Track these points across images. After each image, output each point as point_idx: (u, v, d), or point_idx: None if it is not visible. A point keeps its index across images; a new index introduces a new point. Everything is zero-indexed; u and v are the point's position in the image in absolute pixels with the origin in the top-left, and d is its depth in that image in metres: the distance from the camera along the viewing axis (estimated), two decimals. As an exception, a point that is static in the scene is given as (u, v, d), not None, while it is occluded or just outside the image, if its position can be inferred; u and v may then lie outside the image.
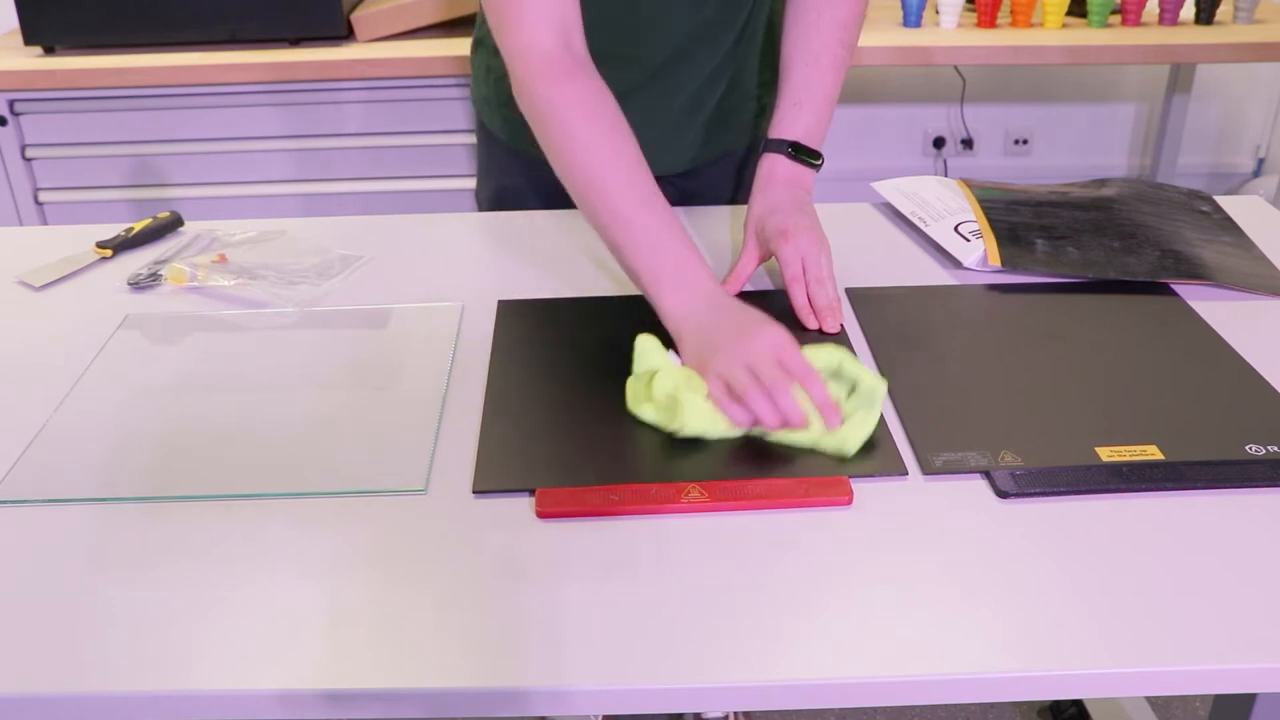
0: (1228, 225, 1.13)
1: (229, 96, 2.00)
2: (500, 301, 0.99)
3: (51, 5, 1.95)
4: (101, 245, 1.11)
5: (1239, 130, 2.94)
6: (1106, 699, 1.43)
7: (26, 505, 0.74)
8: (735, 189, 1.28)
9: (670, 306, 0.86)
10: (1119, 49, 2.02)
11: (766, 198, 1.02)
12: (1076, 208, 1.12)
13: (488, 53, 1.19)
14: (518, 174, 1.23)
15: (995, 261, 1.02)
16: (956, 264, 1.06)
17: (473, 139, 2.02)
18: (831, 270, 0.96)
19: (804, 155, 1.03)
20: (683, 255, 0.88)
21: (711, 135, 1.20)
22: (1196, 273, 1.00)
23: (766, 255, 1.01)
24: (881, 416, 0.80)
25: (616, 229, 0.89)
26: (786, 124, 1.05)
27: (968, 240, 1.06)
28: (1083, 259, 1.02)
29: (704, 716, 1.46)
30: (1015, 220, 1.09)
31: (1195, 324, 0.93)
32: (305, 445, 0.79)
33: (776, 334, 0.80)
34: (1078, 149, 2.94)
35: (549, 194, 1.16)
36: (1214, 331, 0.92)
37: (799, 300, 0.95)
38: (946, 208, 1.13)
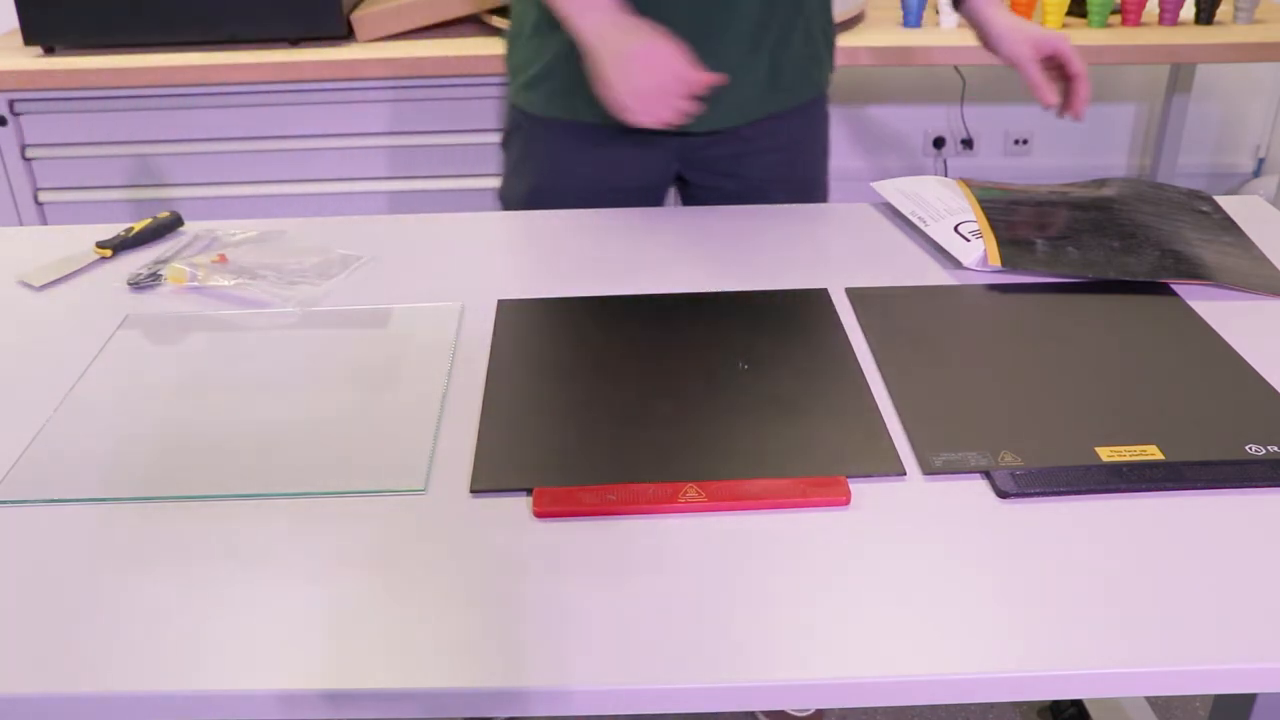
0: (1228, 225, 1.13)
1: (229, 96, 2.00)
2: (500, 301, 0.99)
3: (51, 5, 1.95)
4: (101, 245, 1.11)
5: (1239, 130, 2.93)
6: (1106, 699, 1.43)
7: (26, 505, 0.74)
8: (799, 150, 1.30)
9: (586, 26, 1.04)
10: (1119, 49, 2.02)
11: (995, 17, 1.18)
12: (1076, 208, 1.12)
13: (512, 34, 1.24)
14: (556, 152, 1.25)
15: (995, 261, 1.02)
16: (956, 264, 1.06)
17: (472, 139, 2.03)
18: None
19: None
20: None
21: (779, 79, 1.21)
22: (1196, 273, 1.00)
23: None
24: (881, 416, 0.80)
25: None
26: None
27: (968, 240, 1.06)
28: (1083, 259, 1.02)
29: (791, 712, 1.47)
30: (1015, 220, 1.09)
31: (1195, 324, 0.93)
32: (305, 445, 0.79)
33: (672, 51, 1.01)
34: (1078, 149, 2.94)
35: (588, 176, 1.24)
36: (1214, 331, 0.92)
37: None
38: (946, 208, 1.13)
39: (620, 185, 1.25)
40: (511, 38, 1.25)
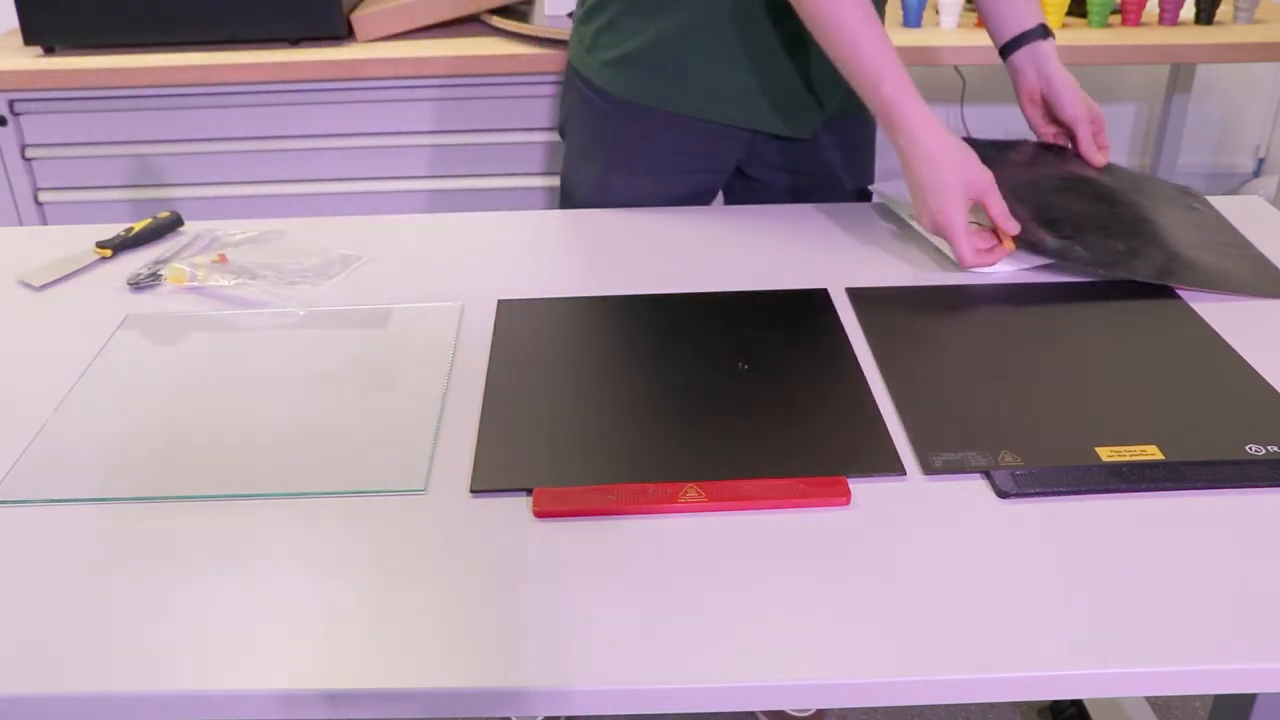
0: (1221, 223, 1.13)
1: (229, 96, 2.00)
2: (500, 301, 0.99)
3: (51, 5, 1.95)
4: (101, 245, 1.11)
5: (1239, 130, 2.93)
6: (1106, 699, 1.43)
7: (26, 505, 0.74)
8: (855, 165, 1.31)
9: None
10: (1119, 49, 2.02)
11: (1057, 74, 1.18)
12: (1079, 202, 1.12)
13: (590, 9, 1.21)
14: (632, 135, 1.23)
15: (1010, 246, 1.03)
16: (956, 264, 1.06)
17: (473, 139, 2.03)
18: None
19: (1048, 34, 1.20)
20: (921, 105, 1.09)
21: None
22: (1203, 280, 1.00)
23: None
24: (881, 416, 0.80)
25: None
26: (1028, 14, 1.20)
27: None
28: (1091, 259, 1.02)
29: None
30: (1018, 218, 1.09)
31: (1195, 324, 0.93)
32: (305, 445, 0.79)
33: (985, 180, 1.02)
34: (1078, 149, 2.94)
35: (660, 161, 1.22)
36: (1214, 332, 0.92)
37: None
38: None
39: (689, 169, 1.25)
40: (590, 13, 1.22)
